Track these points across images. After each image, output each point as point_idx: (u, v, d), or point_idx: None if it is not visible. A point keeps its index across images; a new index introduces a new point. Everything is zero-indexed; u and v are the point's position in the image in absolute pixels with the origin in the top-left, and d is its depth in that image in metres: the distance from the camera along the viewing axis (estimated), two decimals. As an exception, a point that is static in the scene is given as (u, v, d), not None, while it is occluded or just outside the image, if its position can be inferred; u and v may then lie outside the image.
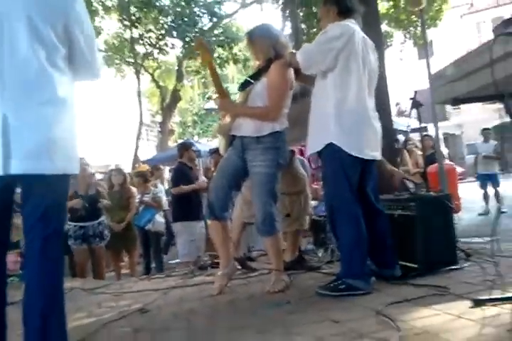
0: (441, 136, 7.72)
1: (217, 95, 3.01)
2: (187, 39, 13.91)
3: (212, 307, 2.59)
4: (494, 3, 22.85)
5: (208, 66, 3.03)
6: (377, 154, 2.74)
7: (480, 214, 8.21)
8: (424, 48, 4.56)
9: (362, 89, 2.65)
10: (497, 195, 8.44)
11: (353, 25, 2.68)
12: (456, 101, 2.17)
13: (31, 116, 1.64)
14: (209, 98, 29.96)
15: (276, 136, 2.82)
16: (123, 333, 2.24)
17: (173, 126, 22.21)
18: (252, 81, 2.92)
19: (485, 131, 9.05)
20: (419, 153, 7.59)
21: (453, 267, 2.75)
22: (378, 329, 1.85)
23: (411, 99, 3.92)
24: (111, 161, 14.47)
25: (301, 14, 10.80)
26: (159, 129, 25.79)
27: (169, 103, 16.68)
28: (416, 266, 2.78)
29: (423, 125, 8.08)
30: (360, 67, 2.64)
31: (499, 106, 22.43)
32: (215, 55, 14.69)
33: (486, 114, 21.53)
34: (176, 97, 16.58)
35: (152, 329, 2.24)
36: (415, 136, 7.87)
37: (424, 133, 7.67)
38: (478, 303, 2.01)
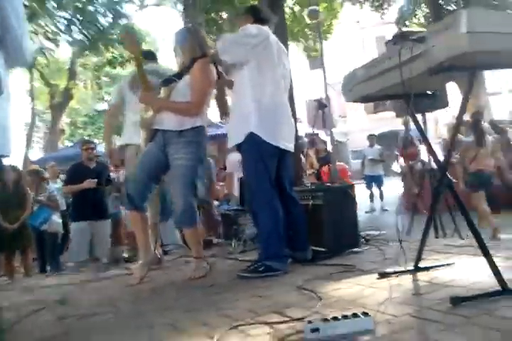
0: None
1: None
2: (87, 36, 13.30)
3: (135, 294, 2.60)
4: (378, 23, 24.94)
5: (134, 56, 3.04)
6: (291, 146, 2.97)
7: (367, 212, 8.97)
8: (320, 59, 4.96)
9: (278, 87, 2.87)
10: (381, 194, 9.29)
11: (267, 29, 2.91)
12: (366, 99, 2.45)
13: None
14: (101, 99, 28.83)
15: (197, 131, 2.92)
16: (48, 322, 2.18)
17: (63, 126, 21.06)
18: (176, 79, 2.99)
19: (370, 137, 9.89)
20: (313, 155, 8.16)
21: (356, 249, 3.07)
22: (302, 300, 2.03)
23: (315, 100, 4.27)
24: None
25: (201, 20, 10.96)
26: (46, 130, 24.26)
27: (60, 102, 15.80)
28: (324, 249, 3.05)
29: (316, 131, 8.69)
30: (275, 67, 2.87)
31: (382, 116, 24.57)
32: (110, 54, 14.22)
33: (370, 123, 23.42)
34: (67, 96, 15.76)
35: (77, 315, 2.21)
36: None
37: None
38: (383, 275, 2.29)
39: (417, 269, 2.30)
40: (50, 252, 5.84)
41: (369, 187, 9.44)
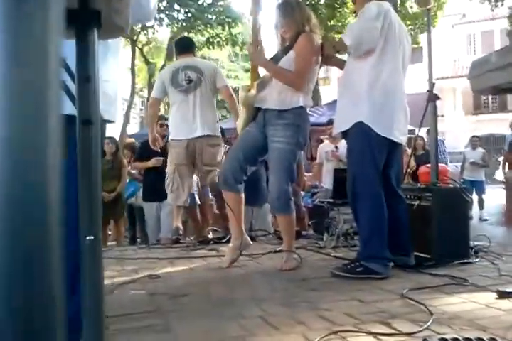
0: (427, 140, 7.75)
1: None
2: (189, 14, 13.56)
3: (226, 277, 2.54)
4: (486, 17, 23.14)
5: (252, 15, 2.99)
6: (404, 138, 2.72)
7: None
8: (428, 50, 4.46)
9: (397, 70, 2.63)
10: (481, 202, 8.57)
11: (387, 5, 2.64)
12: (497, 90, 2.14)
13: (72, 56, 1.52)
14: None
15: (298, 113, 2.77)
16: (138, 296, 2.17)
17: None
18: (284, 54, 2.85)
19: (474, 139, 9.16)
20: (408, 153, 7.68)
21: (466, 261, 2.76)
22: (409, 312, 1.82)
23: (428, 91, 3.90)
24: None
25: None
26: (142, 107, 25.36)
27: (157, 80, 16.30)
28: (429, 256, 2.78)
29: (410, 128, 8.16)
30: (396, 48, 2.62)
31: (482, 118, 22.97)
32: (213, 33, 14.41)
33: (468, 125, 21.96)
34: (164, 75, 16.22)
35: (168, 293, 2.17)
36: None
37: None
38: (503, 295, 2.01)
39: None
40: (139, 224, 6.00)
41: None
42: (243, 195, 2.90)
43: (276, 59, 2.86)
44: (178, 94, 3.85)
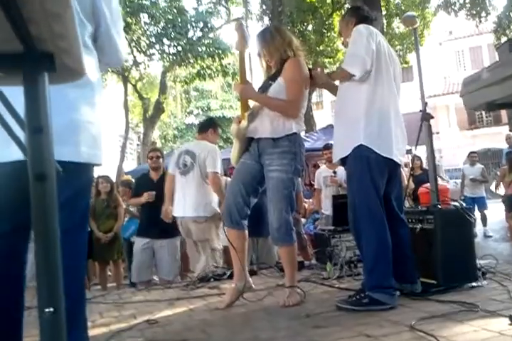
0: (425, 160, 7.67)
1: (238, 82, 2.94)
2: (178, 48, 13.81)
3: (226, 318, 2.43)
4: (473, 32, 23.54)
5: (239, 54, 2.96)
6: (403, 159, 2.67)
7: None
8: (419, 69, 4.48)
9: (391, 90, 2.61)
10: (484, 218, 8.47)
11: (373, 28, 2.65)
12: (491, 106, 2.11)
13: (56, 98, 1.48)
14: (190, 113, 29.89)
15: (292, 140, 2.72)
16: (135, 344, 2.07)
17: (155, 139, 21.99)
18: (272, 82, 2.83)
19: (472, 155, 9.14)
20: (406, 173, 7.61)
21: (473, 284, 2.67)
22: (419, 345, 1.74)
23: (421, 111, 3.88)
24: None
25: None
26: (138, 142, 25.48)
27: (152, 115, 16.47)
28: (434, 281, 2.69)
29: (407, 147, 8.12)
30: (388, 67, 2.60)
31: (477, 133, 23.03)
32: (204, 65, 14.64)
33: (464, 140, 22.02)
34: (159, 110, 16.40)
35: (167, 340, 2.07)
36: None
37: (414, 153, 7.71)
38: (516, 320, 1.92)
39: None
40: (128, 262, 5.85)
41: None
42: (247, 232, 2.82)
43: (264, 87, 2.83)
44: (178, 175, 4.18)
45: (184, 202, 4.09)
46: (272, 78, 2.83)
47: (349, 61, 2.60)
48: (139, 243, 4.62)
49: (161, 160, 4.91)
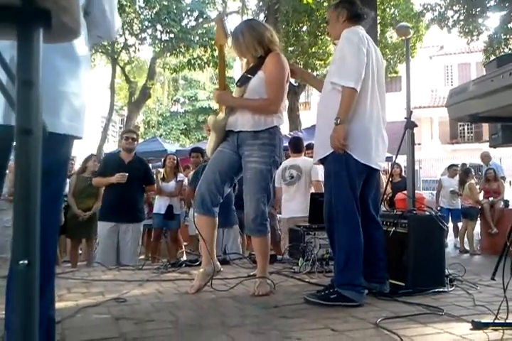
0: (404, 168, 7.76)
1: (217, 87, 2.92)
2: (171, 35, 13.63)
3: (195, 302, 2.43)
4: (463, 49, 23.87)
5: (218, 49, 2.92)
6: (382, 165, 2.70)
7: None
8: (407, 78, 4.51)
9: (374, 96, 2.61)
10: (457, 230, 8.62)
11: (363, 32, 2.64)
12: (475, 118, 2.15)
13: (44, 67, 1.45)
14: (176, 101, 29.61)
15: (273, 132, 2.74)
16: (102, 320, 2.06)
17: (138, 123, 21.75)
18: (251, 76, 2.81)
19: (453, 167, 9.26)
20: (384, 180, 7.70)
21: (441, 289, 2.72)
22: (383, 342, 1.77)
23: (405, 118, 3.93)
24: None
25: (282, 31, 10.97)
26: (121, 125, 25.18)
27: (138, 99, 16.28)
28: (403, 284, 2.73)
29: (388, 155, 8.22)
30: (373, 73, 2.60)
31: (457, 147, 23.39)
32: (195, 54, 14.50)
33: (444, 154, 22.38)
34: (145, 94, 16.21)
35: (134, 318, 2.07)
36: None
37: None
38: (478, 326, 1.97)
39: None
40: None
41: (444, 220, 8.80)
42: (217, 220, 2.83)
43: (243, 81, 2.82)
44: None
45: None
46: (250, 72, 2.81)
47: (345, 75, 2.49)
48: (105, 226, 4.42)
49: (135, 142, 4.80)
